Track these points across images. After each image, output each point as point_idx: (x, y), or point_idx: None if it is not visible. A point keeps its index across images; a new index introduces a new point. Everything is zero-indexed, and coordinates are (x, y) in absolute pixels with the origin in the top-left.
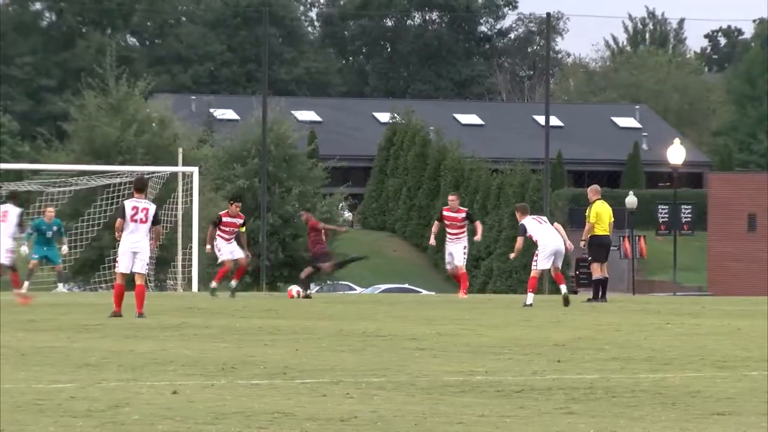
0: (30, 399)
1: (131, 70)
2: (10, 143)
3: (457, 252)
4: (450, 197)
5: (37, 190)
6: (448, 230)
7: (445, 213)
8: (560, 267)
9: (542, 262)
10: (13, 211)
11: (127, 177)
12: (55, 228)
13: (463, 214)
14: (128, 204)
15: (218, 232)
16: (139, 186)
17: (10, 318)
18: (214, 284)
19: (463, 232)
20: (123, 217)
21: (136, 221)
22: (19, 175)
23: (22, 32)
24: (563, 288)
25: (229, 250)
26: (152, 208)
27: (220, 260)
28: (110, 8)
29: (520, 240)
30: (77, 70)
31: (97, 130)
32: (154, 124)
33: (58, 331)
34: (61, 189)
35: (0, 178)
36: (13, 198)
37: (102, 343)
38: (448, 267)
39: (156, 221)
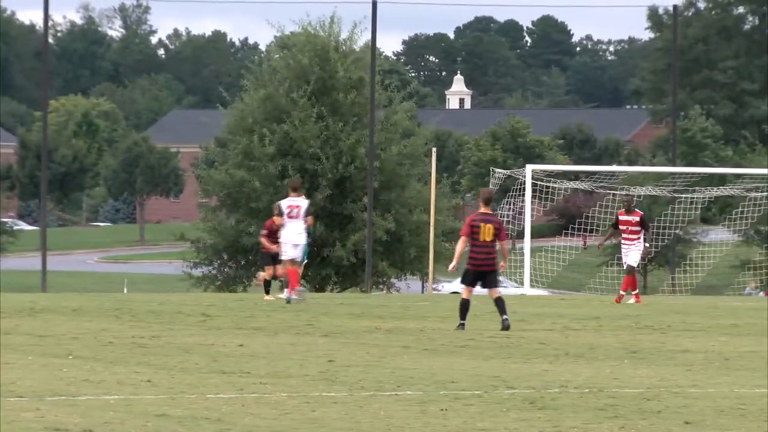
0: (733, 403)
1: None
2: (713, 147)
3: None
4: None
5: (740, 195)
6: None
7: None
8: None
9: None
10: (304, 205)
11: None
12: None
13: None
14: None
15: None
16: None
17: (713, 323)
18: None
19: None
20: None
21: None
22: (722, 179)
23: (725, 36)
24: None
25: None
26: None
27: None
28: None
29: None
30: None
31: None
32: None
33: (760, 336)
34: (765, 194)
35: (703, 182)
36: (296, 190)
37: None
38: None
39: None
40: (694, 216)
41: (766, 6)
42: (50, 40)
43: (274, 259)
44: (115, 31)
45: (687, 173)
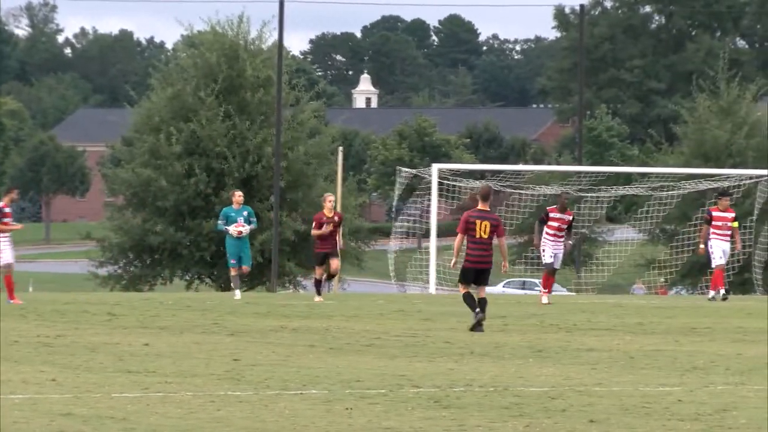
0: (638, 402)
1: (742, 73)
2: (619, 146)
3: None
4: None
5: (646, 194)
6: None
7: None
8: None
9: None
10: None
11: (735, 180)
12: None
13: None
14: None
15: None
16: None
17: (619, 321)
18: None
19: None
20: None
21: None
22: (628, 178)
23: (632, 35)
24: None
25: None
26: None
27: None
28: (720, 11)
29: None
30: (687, 73)
31: (707, 132)
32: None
33: (665, 334)
34: (670, 192)
35: (609, 181)
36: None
37: (710, 347)
38: None
39: None
40: (600, 215)
41: (671, 5)
42: None
43: (325, 258)
44: (21, 29)
45: (593, 172)
